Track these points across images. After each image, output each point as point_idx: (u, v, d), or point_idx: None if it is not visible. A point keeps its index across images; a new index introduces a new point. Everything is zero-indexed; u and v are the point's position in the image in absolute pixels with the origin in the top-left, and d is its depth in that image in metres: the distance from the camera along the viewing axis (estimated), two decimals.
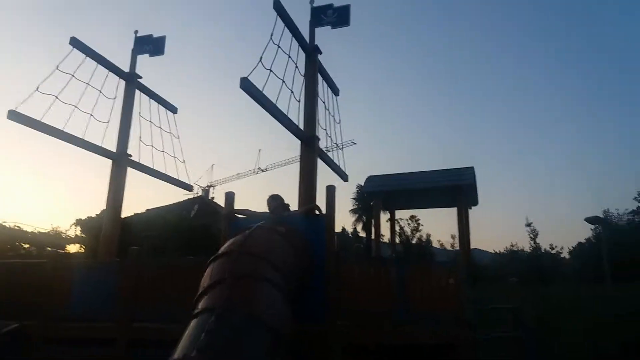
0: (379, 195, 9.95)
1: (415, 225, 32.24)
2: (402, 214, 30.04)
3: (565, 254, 27.43)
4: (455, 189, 8.87)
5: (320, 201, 6.33)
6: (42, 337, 6.73)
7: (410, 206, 11.70)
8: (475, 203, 10.31)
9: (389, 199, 10.23)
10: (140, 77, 10.97)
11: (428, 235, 32.63)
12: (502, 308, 6.98)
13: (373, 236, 11.45)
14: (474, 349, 6.35)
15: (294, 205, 8.04)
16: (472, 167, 9.45)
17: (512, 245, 26.54)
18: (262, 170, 64.73)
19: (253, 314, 4.28)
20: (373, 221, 10.83)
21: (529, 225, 24.98)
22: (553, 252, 26.19)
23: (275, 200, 6.43)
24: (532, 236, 24.89)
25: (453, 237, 27.68)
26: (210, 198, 48.81)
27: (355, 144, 62.63)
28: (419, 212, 30.67)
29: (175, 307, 6.20)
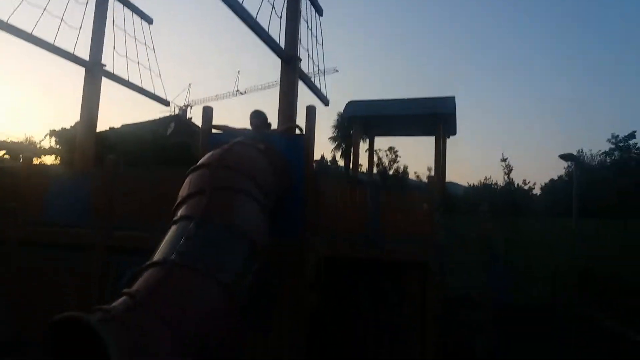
0: (358, 120, 9.91)
1: (393, 156, 32.59)
2: (380, 145, 30.32)
3: (537, 191, 28.34)
4: (435, 117, 8.88)
5: (300, 122, 6.27)
6: (18, 241, 6.78)
7: (389, 133, 11.71)
8: (454, 132, 10.39)
9: (369, 124, 10.22)
10: None
11: (405, 167, 33.15)
12: (471, 234, 7.26)
13: (352, 162, 11.55)
14: (442, 270, 6.68)
15: (274, 125, 8.00)
16: (453, 97, 9.43)
17: (486, 179, 27.22)
18: (241, 93, 63.51)
19: (231, 224, 4.34)
20: (352, 146, 10.87)
21: (504, 160, 25.46)
22: (526, 187, 27.02)
23: (258, 117, 6.33)
24: (507, 171, 25.45)
25: (429, 169, 28.12)
26: (188, 118, 47.98)
27: (337, 71, 61.60)
28: (397, 144, 30.95)
29: (151, 218, 6.29)
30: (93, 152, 9.86)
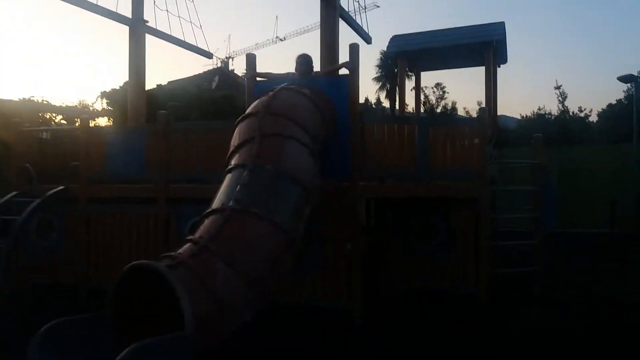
0: (403, 55, 9.60)
1: (441, 93, 31.64)
2: (427, 82, 29.35)
3: (594, 117, 26.94)
4: (483, 45, 8.45)
5: (343, 62, 6.17)
6: (85, 198, 7.23)
7: (437, 67, 11.21)
8: (505, 61, 9.88)
9: (415, 59, 9.86)
10: None
11: (454, 104, 32.14)
12: (524, 164, 7.10)
13: (398, 102, 11.34)
14: (493, 204, 6.63)
15: (318, 67, 7.92)
16: (503, 22, 8.91)
17: (539, 109, 26.05)
18: (281, 40, 62.52)
19: (282, 169, 4.45)
20: (398, 84, 10.64)
21: (558, 87, 24.25)
22: (582, 114, 25.73)
23: (304, 61, 6.28)
24: (561, 99, 24.30)
25: (479, 103, 27.16)
26: (230, 70, 48.11)
27: (378, 7, 59.25)
28: (444, 80, 29.91)
29: (205, 169, 6.55)
30: (145, 110, 10.17)
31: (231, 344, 3.74)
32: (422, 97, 29.83)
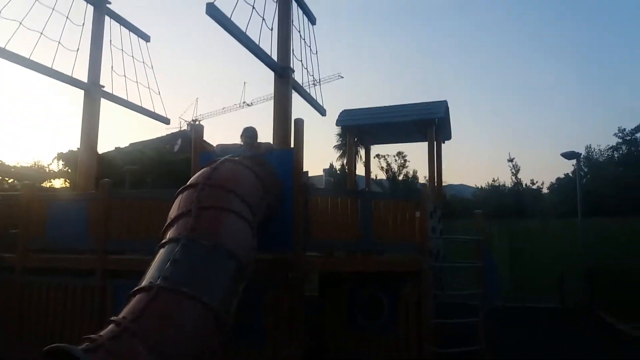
0: (352, 129, 9.93)
1: (402, 161, 32.45)
2: (390, 150, 30.17)
3: (545, 190, 28.00)
4: (426, 122, 8.88)
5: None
6: (22, 268, 6.88)
7: (383, 141, 11.71)
8: (449, 137, 10.35)
9: (363, 133, 10.22)
10: (110, 2, 10.47)
11: (415, 172, 32.95)
12: (469, 239, 7.21)
13: (348, 172, 11.53)
14: (435, 277, 6.65)
15: (269, 138, 8.04)
16: (445, 101, 9.41)
17: (494, 181, 26.97)
18: (248, 105, 63.84)
19: (217, 244, 4.37)
20: (347, 155, 10.90)
21: (510, 160, 25.29)
22: (534, 187, 26.73)
23: (249, 133, 6.39)
24: (514, 171, 25.27)
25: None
26: None
27: (342, 77, 61.79)
28: (406, 148, 30.78)
29: (147, 239, 6.37)
30: (95, 173, 9.96)
31: None
32: (384, 164, 30.57)
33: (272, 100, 8.64)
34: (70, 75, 9.73)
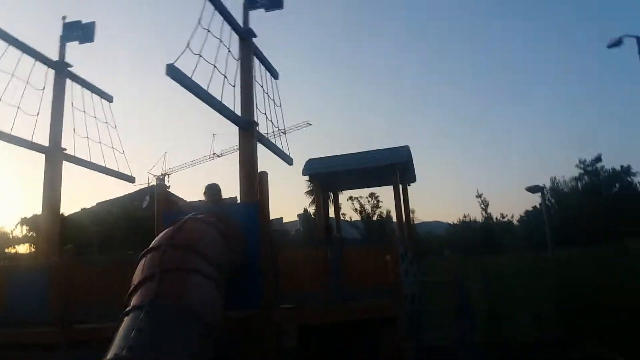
0: (318, 177, 10.06)
1: (375, 202, 32.71)
2: (363, 192, 30.51)
3: (515, 222, 28.55)
4: (390, 167, 9.07)
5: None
6: None
7: (349, 187, 11.90)
8: (414, 180, 10.58)
9: (329, 180, 10.35)
10: (71, 66, 10.49)
11: (388, 212, 33.24)
12: (440, 281, 7.23)
13: (324, 217, 11.56)
14: (412, 321, 6.61)
15: (236, 192, 8.02)
16: (407, 146, 9.68)
17: (465, 217, 27.42)
18: (218, 156, 63.75)
19: (182, 306, 4.26)
20: (315, 203, 10.96)
21: (479, 196, 25.89)
22: (504, 220, 27.25)
23: (212, 190, 6.37)
24: (483, 207, 25.82)
25: (412, 211, 28.24)
26: (167, 186, 47.85)
27: (310, 124, 62.64)
28: (379, 190, 31.17)
29: (112, 305, 6.14)
30: (59, 237, 9.67)
31: None
32: (358, 206, 30.74)
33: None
34: (31, 139, 9.60)
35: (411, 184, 10.39)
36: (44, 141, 9.94)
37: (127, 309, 4.37)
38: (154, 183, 47.12)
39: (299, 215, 36.37)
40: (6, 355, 6.47)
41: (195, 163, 64.40)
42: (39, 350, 6.38)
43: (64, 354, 6.14)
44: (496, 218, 26.88)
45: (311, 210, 33.90)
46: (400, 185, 9.26)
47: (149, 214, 24.63)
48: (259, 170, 8.40)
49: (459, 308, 6.60)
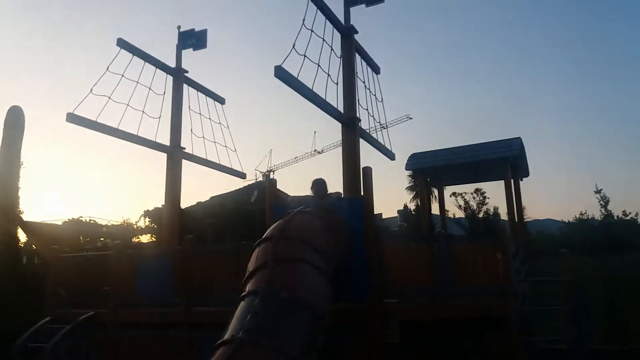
0: (423, 172, 9.85)
1: (481, 198, 31.40)
2: (467, 188, 29.36)
3: None
4: (501, 161, 8.62)
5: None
6: (114, 323, 7.33)
7: (456, 182, 11.45)
8: (526, 174, 9.94)
9: (435, 175, 10.09)
10: (187, 72, 11.37)
11: (495, 209, 31.72)
12: (557, 281, 6.80)
13: (422, 215, 11.36)
14: (523, 321, 6.30)
15: (338, 188, 8.17)
16: (519, 138, 9.08)
17: (581, 214, 25.36)
18: (319, 152, 65.11)
19: (294, 295, 4.46)
20: (420, 199, 10.77)
21: (598, 192, 23.78)
22: (627, 218, 24.80)
23: (319, 184, 6.61)
24: (603, 203, 23.69)
25: (523, 208, 26.69)
26: None
27: (411, 118, 61.64)
28: (485, 185, 29.85)
29: (229, 291, 6.61)
30: (178, 228, 10.56)
31: None
32: (462, 203, 29.69)
33: (340, 147, 8.84)
34: (154, 140, 10.56)
35: (523, 179, 9.84)
36: (165, 141, 10.88)
37: (242, 294, 4.68)
38: (261, 179, 49.34)
39: (398, 211, 35.90)
40: (136, 332, 7.22)
41: (298, 160, 66.40)
42: (165, 329, 7.03)
43: (187, 333, 6.70)
44: (618, 216, 24.59)
45: (412, 206, 33.37)
46: (512, 180, 8.78)
47: (257, 207, 25.94)
48: (361, 165, 8.52)
49: (576, 310, 6.16)
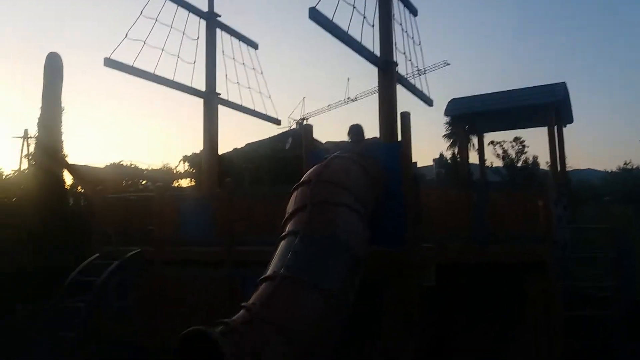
0: (462, 118, 9.58)
1: (520, 147, 30.52)
2: (505, 136, 28.53)
3: None
4: (544, 106, 8.28)
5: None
6: (159, 260, 7.70)
7: (497, 128, 11.09)
8: (570, 121, 9.55)
9: (475, 121, 9.80)
10: (219, 16, 11.21)
11: (535, 157, 30.81)
12: (600, 228, 6.67)
13: (460, 163, 11.19)
14: (563, 268, 6.26)
15: (375, 133, 8.10)
16: (564, 83, 8.67)
17: (625, 163, 24.42)
18: (352, 100, 64.07)
19: (332, 236, 4.55)
20: (459, 145, 10.58)
21: None
22: None
23: (355, 130, 6.58)
24: None
25: (547, 163, 25.78)
26: None
27: (448, 64, 59.50)
28: (524, 133, 28.90)
29: (266, 232, 6.81)
30: (217, 173, 10.79)
31: None
32: (500, 151, 28.94)
33: (376, 94, 8.67)
34: (190, 85, 10.60)
35: (567, 126, 9.48)
36: (201, 87, 10.92)
37: (282, 235, 4.81)
38: (294, 127, 49.25)
39: (434, 160, 35.36)
40: (180, 269, 7.58)
41: (331, 107, 65.71)
42: (208, 267, 7.35)
43: (229, 270, 6.99)
44: None
45: (448, 154, 32.74)
46: (555, 127, 8.48)
47: (291, 154, 26.05)
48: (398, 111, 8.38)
49: (618, 257, 6.06)
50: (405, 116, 5.87)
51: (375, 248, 5.28)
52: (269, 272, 4.38)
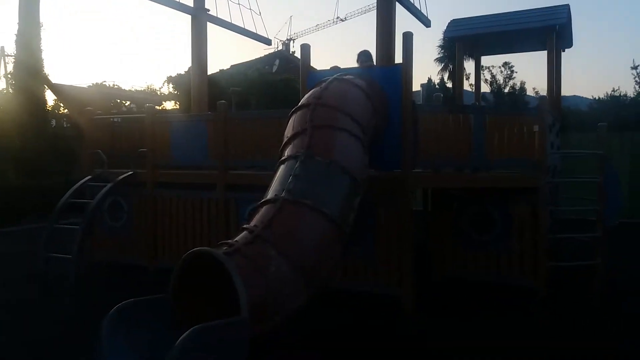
0: (461, 40, 9.33)
1: (509, 72, 30.24)
2: (495, 61, 28.15)
3: None
4: (546, 29, 8.08)
5: (399, 50, 6.11)
6: (152, 182, 7.70)
7: (496, 51, 10.89)
8: (570, 45, 9.38)
9: (473, 44, 9.57)
10: None
11: (522, 83, 30.61)
12: (590, 154, 6.80)
13: (456, 86, 11.10)
14: (552, 193, 6.45)
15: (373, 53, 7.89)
16: (567, 5, 8.44)
17: (614, 91, 24.36)
18: (342, 20, 61.96)
19: (332, 160, 4.54)
20: (457, 68, 10.41)
21: (635, 68, 22.59)
22: None
23: (364, 56, 6.54)
24: (638, 80, 22.65)
25: (542, 89, 25.70)
26: (291, 52, 48.39)
27: None
28: (513, 59, 28.54)
29: (262, 156, 6.81)
30: (207, 96, 10.55)
31: (282, 329, 3.93)
32: (489, 77, 28.68)
33: (366, 14, 8.37)
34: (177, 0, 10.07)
35: (566, 50, 9.35)
36: (189, 2, 10.38)
37: (281, 158, 4.79)
38: (281, 48, 47.77)
39: (421, 85, 34.93)
40: (173, 191, 7.61)
41: (319, 28, 63.65)
42: (200, 190, 7.39)
43: (223, 194, 7.04)
44: None
45: (437, 79, 32.31)
46: (555, 51, 8.35)
47: (279, 77, 25.49)
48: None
49: (606, 182, 6.23)
50: (408, 36, 5.66)
51: (372, 172, 5.31)
52: (269, 196, 4.40)
